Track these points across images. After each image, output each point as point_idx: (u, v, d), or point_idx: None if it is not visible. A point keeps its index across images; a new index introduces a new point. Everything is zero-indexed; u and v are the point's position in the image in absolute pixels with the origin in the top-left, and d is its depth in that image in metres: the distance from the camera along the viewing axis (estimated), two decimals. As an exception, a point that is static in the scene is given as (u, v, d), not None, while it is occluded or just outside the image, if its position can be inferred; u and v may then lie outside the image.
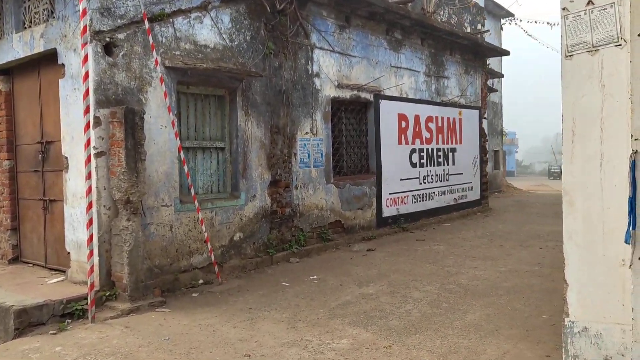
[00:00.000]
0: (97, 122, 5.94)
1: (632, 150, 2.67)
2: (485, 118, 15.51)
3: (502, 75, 20.22)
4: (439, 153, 12.44)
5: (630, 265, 2.69)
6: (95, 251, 5.83)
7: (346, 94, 9.73)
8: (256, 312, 5.76)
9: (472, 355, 4.33)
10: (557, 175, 64.64)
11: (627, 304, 3.00)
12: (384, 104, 10.64)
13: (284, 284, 6.99)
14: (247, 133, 7.87)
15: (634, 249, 2.68)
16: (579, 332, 3.15)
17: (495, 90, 20.18)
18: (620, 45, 2.98)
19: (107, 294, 5.90)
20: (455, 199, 13.07)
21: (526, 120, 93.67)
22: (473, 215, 13.59)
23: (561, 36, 3.21)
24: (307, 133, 8.93)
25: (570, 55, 3.17)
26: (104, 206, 6.01)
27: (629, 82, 2.93)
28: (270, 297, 6.33)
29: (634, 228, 2.68)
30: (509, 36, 27.10)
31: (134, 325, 5.36)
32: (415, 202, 11.58)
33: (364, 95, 10.13)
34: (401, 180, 11.16)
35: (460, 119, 13.28)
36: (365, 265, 7.94)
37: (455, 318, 5.34)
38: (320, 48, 9.13)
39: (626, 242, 2.71)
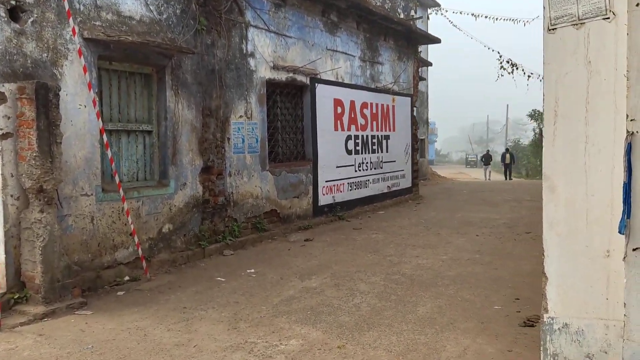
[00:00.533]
0: (2, 98, 5.11)
1: (628, 131, 2.43)
2: (415, 106, 15.55)
3: (430, 64, 20.45)
4: (374, 140, 12.26)
5: (624, 258, 2.47)
6: (1, 248, 5.05)
7: (282, 76, 9.25)
8: (191, 311, 5.22)
9: (432, 354, 4.07)
10: (473, 164, 67.56)
11: (611, 298, 2.80)
12: (320, 88, 10.25)
13: (219, 278, 6.47)
14: (177, 115, 7.22)
15: (628, 239, 2.46)
16: (559, 328, 2.93)
17: (424, 79, 20.37)
18: (608, 18, 2.75)
19: (15, 297, 5.13)
20: (388, 186, 12.98)
21: (444, 110, 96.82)
22: (405, 203, 13.58)
23: (544, 8, 2.94)
24: (241, 116, 8.37)
25: (553, 29, 2.91)
26: (11, 196, 5.21)
27: (617, 58, 2.70)
28: (206, 294, 5.80)
29: (628, 217, 2.45)
30: (433, 27, 27.57)
31: (50, 333, 4.67)
32: (350, 190, 11.33)
33: (300, 78, 9.69)
34: (337, 167, 10.86)
35: (393, 106, 13.16)
36: (305, 257, 7.56)
37: (407, 311, 5.08)
38: (255, 27, 8.58)
39: (620, 232, 2.49)
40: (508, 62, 26.31)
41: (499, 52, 26.35)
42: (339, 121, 10.92)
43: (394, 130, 13.16)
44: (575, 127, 2.86)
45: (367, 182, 12.00)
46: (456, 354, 4.03)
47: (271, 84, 9.14)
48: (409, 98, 14.12)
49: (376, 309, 5.16)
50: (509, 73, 26.09)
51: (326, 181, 10.51)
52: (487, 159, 32.13)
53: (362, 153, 11.75)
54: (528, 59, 28.98)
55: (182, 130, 7.30)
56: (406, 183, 13.94)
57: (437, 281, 6.14)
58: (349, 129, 11.25)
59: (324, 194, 10.43)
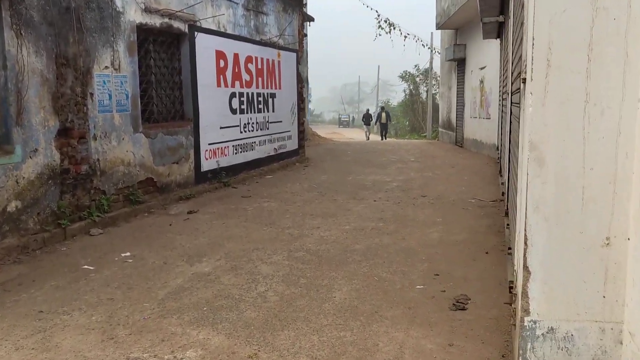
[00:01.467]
0: None
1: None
2: (299, 63, 14.70)
3: (313, 19, 19.56)
4: (259, 98, 11.26)
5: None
6: None
7: (156, 21, 7.86)
8: (50, 316, 4.05)
9: (366, 357, 3.38)
10: (346, 124, 68.92)
11: (609, 296, 2.26)
12: (200, 38, 8.98)
13: (86, 267, 5.26)
14: (22, 63, 5.69)
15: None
16: (543, 334, 2.35)
17: (305, 35, 19.50)
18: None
19: None
20: (275, 149, 12.13)
21: (315, 70, 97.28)
22: (293, 166, 12.86)
23: None
24: (107, 67, 6.95)
25: (547, -49, 2.20)
26: None
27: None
28: (70, 290, 4.61)
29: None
30: (313, -19, 26.66)
31: None
32: (236, 154, 10.31)
33: (177, 24, 8.34)
34: (221, 128, 9.76)
35: (279, 62, 12.20)
36: (191, 233, 6.53)
37: (322, 299, 4.36)
38: (121, -43, 7.09)
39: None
40: (386, 21, 26.39)
41: (377, 11, 26.31)
42: (222, 76, 9.76)
43: (280, 88, 12.25)
44: (573, 82, 2.22)
45: (254, 145, 11.05)
46: (393, 355, 3.39)
47: (143, 30, 7.73)
48: (295, 54, 13.23)
49: (286, 298, 4.37)
50: (386, 33, 26.22)
51: (209, 144, 9.39)
52: (367, 119, 31.85)
53: (247, 112, 10.72)
54: (403, 20, 29.23)
55: (30, 83, 5.79)
56: (293, 145, 13.20)
57: (346, 257, 5.50)
58: (233, 86, 10.14)
59: (207, 159, 9.33)
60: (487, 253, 5.57)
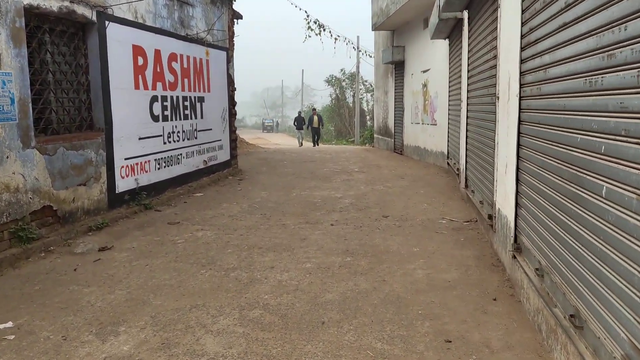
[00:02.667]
0: None
1: None
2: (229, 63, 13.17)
3: (241, 16, 18.02)
4: (186, 103, 9.63)
5: None
6: None
7: (52, 4, 6.12)
8: None
9: None
10: (270, 129, 67.57)
11: None
12: (113, 29, 7.28)
13: (-60, 354, 3.54)
14: None
15: None
16: None
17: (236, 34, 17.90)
18: None
19: None
20: (205, 161, 10.52)
21: (237, 75, 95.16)
22: (225, 179, 11.28)
23: None
24: (-19, 62, 5.15)
25: None
26: None
27: None
28: None
29: None
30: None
31: None
32: (159, 169, 8.64)
33: (81, 10, 6.62)
34: (140, 139, 8.07)
35: (207, 61, 10.62)
36: (103, 283, 4.90)
37: (305, 400, 2.96)
38: None
39: None
40: (315, 22, 25.28)
41: (306, 11, 25.14)
42: (140, 76, 8.07)
43: (209, 90, 10.66)
44: None
45: (180, 157, 9.40)
46: None
47: (35, 15, 5.97)
48: (225, 52, 11.69)
49: (251, 402, 2.93)
50: (316, 34, 25.09)
51: (126, 159, 7.68)
52: (299, 123, 29.17)
53: (172, 119, 9.07)
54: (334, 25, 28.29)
55: None
56: (225, 155, 11.63)
57: (319, 315, 4.12)
58: (154, 88, 8.47)
59: (123, 177, 7.61)
60: (495, 300, 4.39)
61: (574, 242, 3.01)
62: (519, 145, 4.46)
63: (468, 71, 8.09)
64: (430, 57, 13.75)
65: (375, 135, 21.95)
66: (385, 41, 18.68)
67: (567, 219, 3.12)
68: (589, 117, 2.72)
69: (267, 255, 5.70)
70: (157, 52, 8.53)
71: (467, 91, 8.14)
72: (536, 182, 3.81)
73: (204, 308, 4.28)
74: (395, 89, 17.76)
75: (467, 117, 8.16)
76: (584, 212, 2.83)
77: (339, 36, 25.97)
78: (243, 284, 4.83)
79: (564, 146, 3.16)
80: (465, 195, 8.41)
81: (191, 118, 9.83)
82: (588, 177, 2.74)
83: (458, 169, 9.52)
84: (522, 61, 4.35)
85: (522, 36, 4.32)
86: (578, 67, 2.88)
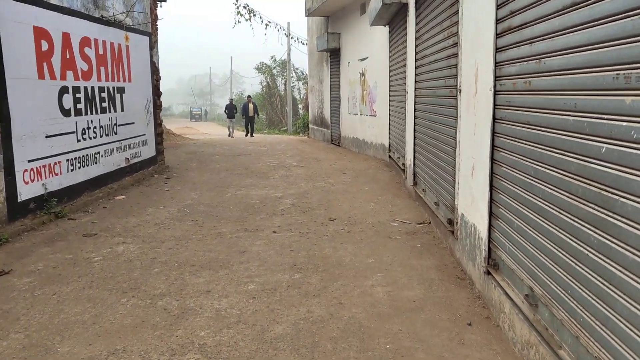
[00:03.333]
0: None
1: None
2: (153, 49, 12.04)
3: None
4: (103, 94, 8.51)
5: None
6: None
7: None
8: None
9: None
10: (198, 118, 65.45)
11: None
12: (7, 8, 6.12)
13: None
14: None
15: None
16: None
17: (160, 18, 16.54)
18: None
19: None
20: (127, 158, 9.44)
21: (162, 60, 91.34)
22: (151, 178, 10.23)
23: None
24: None
25: None
26: None
27: None
28: None
29: None
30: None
31: None
32: (73, 170, 7.53)
33: (-36, -17, 5.45)
34: (48, 137, 6.95)
35: (127, 47, 9.50)
36: (-5, 324, 3.92)
37: None
38: None
39: None
40: (245, 7, 24.18)
41: (235, -5, 23.98)
42: (45, 64, 6.93)
43: (130, 80, 9.55)
44: None
45: (98, 156, 8.30)
46: None
47: None
48: (148, 37, 10.56)
49: None
50: (246, 20, 24.02)
51: (30, 161, 6.56)
52: (231, 111, 26.45)
53: (87, 113, 7.95)
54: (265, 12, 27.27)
55: None
56: (150, 151, 10.55)
57: (269, 358, 3.39)
58: (63, 77, 7.33)
59: (27, 182, 6.50)
60: (470, 325, 3.83)
61: (587, 272, 2.45)
62: (493, 146, 3.90)
63: (416, 60, 7.54)
64: (369, 45, 13.19)
65: (310, 126, 21.29)
66: (320, 28, 17.99)
67: (578, 243, 2.55)
68: (623, 123, 2.13)
69: (201, 275, 4.89)
70: (66, 36, 7.38)
71: (416, 82, 7.60)
72: (526, 194, 3.24)
73: (124, 355, 3.44)
74: (331, 78, 17.14)
75: (416, 109, 7.62)
76: (609, 239, 2.26)
77: (270, 22, 25.05)
78: (173, 317, 4.01)
79: (578, 157, 2.57)
80: (414, 193, 7.91)
81: (110, 111, 8.71)
82: (622, 199, 2.15)
83: (404, 164, 9.02)
84: (497, 50, 3.77)
85: (498, 21, 3.73)
86: (602, 57, 2.29)
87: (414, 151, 7.84)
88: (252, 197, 8.41)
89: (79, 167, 7.68)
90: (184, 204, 8.01)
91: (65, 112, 7.36)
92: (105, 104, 8.54)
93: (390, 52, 11.08)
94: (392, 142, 11.14)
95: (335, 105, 16.84)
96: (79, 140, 7.69)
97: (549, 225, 2.90)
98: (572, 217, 2.61)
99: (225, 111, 27.19)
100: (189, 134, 32.90)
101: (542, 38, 2.95)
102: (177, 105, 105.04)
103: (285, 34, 26.52)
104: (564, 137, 2.69)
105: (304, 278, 4.80)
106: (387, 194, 8.51)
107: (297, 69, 40.14)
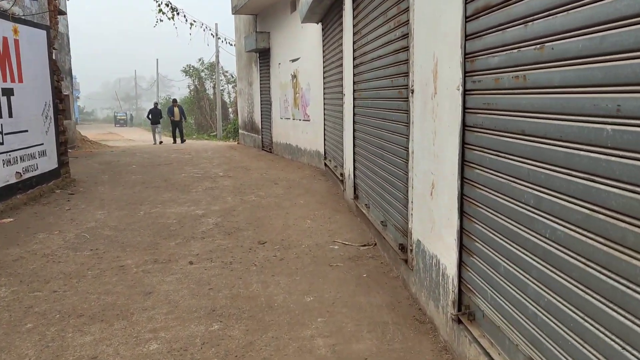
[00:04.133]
0: None
1: None
2: (55, 48, 10.59)
3: (72, -8, 15.10)
4: (-17, 97, 7.08)
5: None
6: None
7: None
8: None
9: None
10: (123, 123, 62.32)
11: None
12: None
13: None
14: None
15: None
16: None
17: (64, 13, 14.90)
18: None
19: None
20: (19, 173, 7.98)
21: (83, 63, 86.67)
22: (51, 195, 8.78)
23: None
24: None
25: None
26: None
27: None
28: None
29: None
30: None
31: None
32: (-63, 191, 6.08)
33: None
34: None
35: (16, 42, 8.05)
36: None
37: None
38: None
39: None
40: (168, 5, 22.68)
41: (156, -7, 22.42)
42: None
43: (20, 81, 8.10)
44: None
45: (-24, 172, 6.86)
46: None
47: None
48: (45, 31, 9.11)
49: None
50: (169, 18, 22.50)
51: None
52: (155, 116, 23.30)
53: (-41, 120, 6.51)
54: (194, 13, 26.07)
55: None
56: (49, 164, 9.09)
57: None
58: None
59: None
60: (440, 394, 2.94)
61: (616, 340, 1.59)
62: (463, 161, 3.04)
63: (354, 58, 6.67)
64: (300, 44, 12.27)
65: (240, 131, 20.11)
66: (248, 27, 16.90)
67: (592, 296, 1.69)
68: None
69: (89, 332, 3.73)
70: None
71: (355, 83, 6.73)
72: (519, 229, 2.37)
73: None
74: (260, 80, 16.09)
75: (355, 114, 6.75)
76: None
77: (195, 21, 23.58)
78: (37, 406, 2.86)
79: (605, 182, 1.72)
80: (354, 207, 7.03)
81: (-7, 117, 7.28)
82: None
83: (342, 175, 8.13)
84: (467, 37, 2.92)
85: (468, 0, 2.88)
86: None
87: (354, 160, 6.97)
88: (169, 216, 7.24)
89: (-52, 186, 6.24)
90: (85, 227, 6.72)
91: None
92: (-14, 109, 7.10)
93: (324, 51, 10.21)
94: (328, 149, 10.26)
95: (266, 109, 15.81)
96: (-53, 153, 6.25)
97: (555, 272, 2.04)
98: (587, 262, 1.75)
99: (148, 116, 24.13)
100: (111, 140, 30.78)
101: (547, 13, 2.09)
102: (101, 110, 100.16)
103: (212, 34, 25.18)
104: (589, 154, 1.83)
105: (225, 330, 3.75)
106: (325, 208, 7.59)
107: (226, 71, 38.75)
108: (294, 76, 12.90)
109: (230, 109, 38.19)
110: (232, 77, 37.88)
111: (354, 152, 6.96)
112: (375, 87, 5.54)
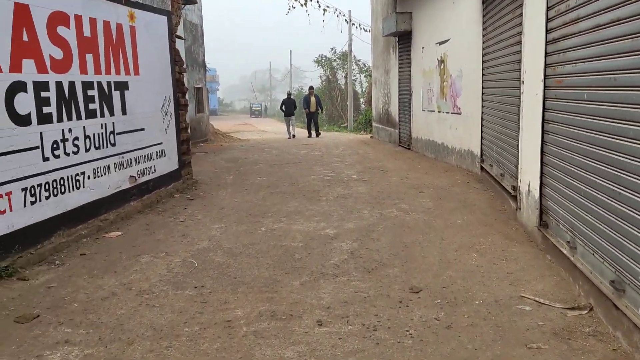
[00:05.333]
0: None
1: None
2: (181, 37, 9.81)
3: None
4: (91, 92, 6.20)
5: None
6: None
7: None
8: None
9: None
10: (258, 114, 63.87)
11: None
12: None
13: None
14: None
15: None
16: None
17: (194, 2, 14.37)
18: None
19: None
20: (133, 177, 7.13)
21: (222, 57, 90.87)
22: (169, 201, 7.88)
23: None
24: None
25: None
26: None
27: None
28: None
29: None
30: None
31: None
32: (34, 203, 5.22)
33: None
34: (-17, 159, 4.67)
35: (133, 29, 7.17)
36: None
37: None
38: None
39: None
40: (301, -9, 21.70)
41: (290, -20, 21.57)
42: (-19, 49, 4.64)
43: (136, 73, 7.22)
44: None
45: (82, 178, 6.00)
46: None
47: None
48: (166, 18, 8.21)
49: None
50: (301, 5, 21.51)
51: (-50, 196, 4.28)
52: (289, 108, 20.93)
53: (61, 120, 5.64)
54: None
55: None
56: (168, 165, 8.22)
57: None
58: (16, 69, 5.01)
59: (-57, 230, 4.21)
60: None
61: None
62: None
63: (548, 31, 4.71)
64: (450, 23, 10.33)
65: (374, 124, 18.54)
66: (386, 8, 15.20)
67: None
68: None
69: None
70: (21, 9, 5.08)
71: (546, 65, 4.78)
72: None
73: None
74: (399, 68, 14.34)
75: (547, 109, 4.80)
76: None
77: (328, 7, 22.52)
78: None
79: None
80: (540, 237, 5.09)
81: (103, 115, 6.40)
82: None
83: (514, 188, 6.18)
84: None
85: None
86: None
87: (542, 173, 5.02)
88: (294, 236, 5.86)
89: (47, 197, 5.38)
90: (196, 248, 5.56)
91: (20, 120, 5.05)
92: (94, 106, 6.22)
93: (484, 29, 8.22)
94: (486, 149, 8.29)
95: (404, 100, 14.04)
96: (46, 159, 5.39)
97: None
98: None
99: (281, 108, 21.71)
100: (246, 130, 30.98)
101: None
102: (239, 101, 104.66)
103: (345, 20, 23.87)
104: None
105: None
106: (493, 234, 5.73)
107: (359, 60, 37.38)
108: (441, 61, 10.98)
109: (361, 100, 36.88)
110: (365, 66, 36.46)
111: (542, 162, 5.01)
112: (584, 70, 3.58)
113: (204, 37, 19.48)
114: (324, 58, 40.62)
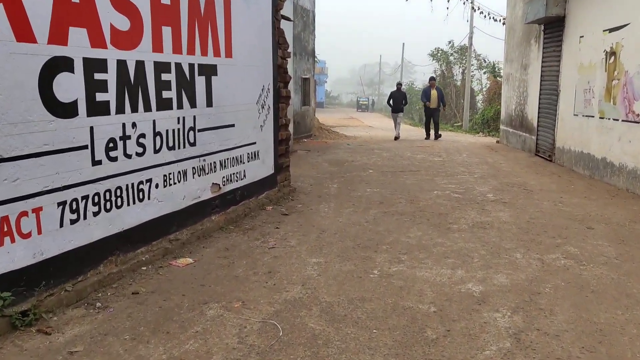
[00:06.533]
0: None
1: None
2: (289, 19, 8.36)
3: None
4: (166, 76, 4.81)
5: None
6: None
7: None
8: None
9: None
10: (365, 108, 62.11)
11: None
12: None
13: None
14: None
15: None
16: None
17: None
18: None
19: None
20: (217, 184, 5.71)
21: (332, 48, 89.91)
22: (258, 216, 6.40)
23: None
24: None
25: None
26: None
27: None
28: None
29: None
30: None
31: None
32: (77, 222, 3.88)
33: None
34: (8, 160, 3.34)
35: (227, 1, 5.72)
36: None
37: None
38: None
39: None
40: (424, -26, 19.63)
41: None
42: (4, 9, 3.32)
43: (228, 55, 5.78)
44: None
45: (146, 187, 4.63)
46: None
47: None
48: (270, -11, 6.72)
49: None
50: (424, -9, 19.45)
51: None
52: (397, 102, 17.79)
53: (122, 111, 4.28)
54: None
55: None
56: (262, 170, 6.75)
57: None
58: (57, 40, 3.68)
59: None
60: None
61: None
62: None
63: None
64: (627, 4, 7.93)
65: (502, 127, 16.12)
66: (529, -9, 12.78)
67: None
68: None
69: None
70: (74, -42, 3.74)
71: None
72: None
73: None
74: (543, 62, 11.92)
75: None
76: None
77: (453, -7, 20.26)
78: None
79: None
80: None
81: (180, 106, 5.01)
82: None
83: None
84: None
85: None
86: None
87: None
88: (421, 294, 4.08)
89: (96, 214, 4.04)
90: (283, 297, 3.97)
91: (61, 109, 3.72)
92: (169, 94, 4.84)
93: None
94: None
95: (547, 101, 11.63)
96: (97, 162, 4.04)
97: None
98: None
99: (389, 102, 18.26)
100: (350, 125, 29.41)
101: None
102: (346, 94, 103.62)
103: (473, 7, 21.38)
104: None
105: None
106: None
107: (479, 55, 34.34)
108: (611, 53, 8.57)
109: (478, 97, 33.98)
110: (485, 61, 33.42)
111: None
112: None
113: (315, 23, 18.08)
114: (440, 52, 38.00)
